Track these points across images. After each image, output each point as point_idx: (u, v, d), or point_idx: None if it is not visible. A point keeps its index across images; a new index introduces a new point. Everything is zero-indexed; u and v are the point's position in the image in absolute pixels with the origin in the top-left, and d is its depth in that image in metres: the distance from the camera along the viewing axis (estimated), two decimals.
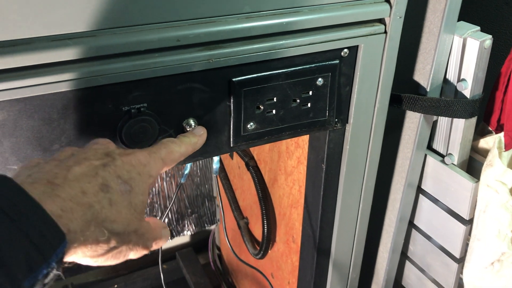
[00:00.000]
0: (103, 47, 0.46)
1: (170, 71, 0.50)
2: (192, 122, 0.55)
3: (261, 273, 0.76)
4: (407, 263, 0.89)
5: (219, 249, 1.49)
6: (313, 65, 0.58)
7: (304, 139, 0.78)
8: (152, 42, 0.48)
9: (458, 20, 0.65)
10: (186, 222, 1.45)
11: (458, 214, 0.74)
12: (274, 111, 0.59)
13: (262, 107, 0.58)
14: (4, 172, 0.48)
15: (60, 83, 0.46)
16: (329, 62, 0.59)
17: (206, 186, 1.43)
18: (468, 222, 0.73)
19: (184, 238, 1.52)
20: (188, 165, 0.86)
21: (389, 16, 0.59)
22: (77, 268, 1.31)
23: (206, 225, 1.48)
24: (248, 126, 0.59)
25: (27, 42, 0.44)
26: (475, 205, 0.70)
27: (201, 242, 1.52)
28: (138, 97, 0.50)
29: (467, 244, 0.74)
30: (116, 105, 0.50)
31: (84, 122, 0.49)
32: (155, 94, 0.51)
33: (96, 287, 1.36)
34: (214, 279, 1.40)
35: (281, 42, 0.54)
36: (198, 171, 1.40)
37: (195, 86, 0.53)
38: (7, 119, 0.46)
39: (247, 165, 1.05)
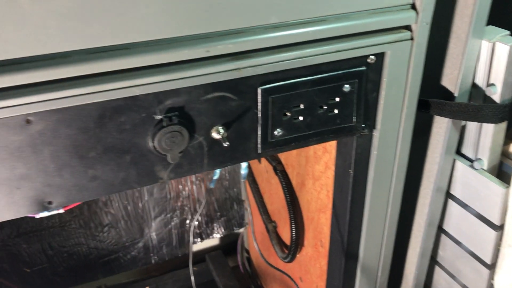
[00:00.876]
0: (136, 59, 0.48)
1: (200, 80, 0.52)
2: (221, 129, 0.56)
3: (288, 276, 0.77)
4: (437, 268, 0.88)
5: (248, 252, 1.51)
6: (339, 72, 0.59)
7: (332, 144, 0.79)
8: (182, 54, 0.49)
9: (487, 25, 0.64)
10: (215, 225, 1.47)
11: (488, 220, 0.73)
12: (301, 118, 0.60)
13: (289, 114, 0.59)
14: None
15: (96, 94, 0.48)
16: (356, 69, 0.59)
17: (235, 189, 1.44)
18: (499, 228, 0.72)
19: (213, 240, 1.54)
20: (217, 171, 0.87)
21: (416, 23, 0.59)
22: (110, 269, 1.35)
23: (234, 228, 1.49)
24: (276, 132, 0.60)
25: (65, 55, 0.46)
26: (506, 211, 0.70)
27: (230, 244, 1.54)
28: (170, 106, 0.52)
29: (498, 250, 0.73)
30: (149, 114, 0.52)
31: (118, 131, 0.51)
32: (185, 103, 0.53)
33: None
34: (243, 282, 1.41)
35: (307, 51, 0.55)
36: (227, 174, 1.42)
37: (224, 95, 0.55)
38: (46, 128, 0.48)
39: (275, 169, 1.06)
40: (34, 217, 1.16)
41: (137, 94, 0.50)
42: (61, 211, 0.69)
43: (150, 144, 0.53)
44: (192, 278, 0.82)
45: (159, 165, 0.55)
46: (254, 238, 0.82)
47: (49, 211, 0.67)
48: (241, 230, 1.51)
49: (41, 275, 1.27)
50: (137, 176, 0.55)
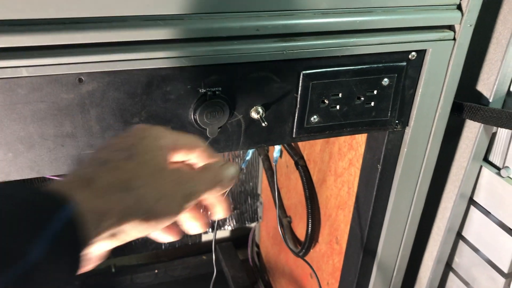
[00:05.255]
0: (189, 31, 0.49)
1: (246, 58, 0.53)
2: (260, 109, 0.57)
3: (309, 264, 0.78)
4: (451, 275, 0.89)
5: (258, 246, 1.51)
6: (380, 65, 0.60)
7: (358, 142, 0.80)
8: (233, 30, 0.51)
9: None
10: (228, 217, 1.48)
11: (510, 228, 0.73)
12: (338, 107, 0.61)
13: (327, 102, 0.60)
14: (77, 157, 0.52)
15: (147, 61, 0.49)
16: (397, 64, 0.60)
17: (251, 183, 1.46)
18: None
19: (224, 232, 1.56)
20: (250, 152, 0.89)
21: (460, 23, 0.60)
22: (121, 250, 1.36)
23: (247, 222, 1.50)
24: (312, 119, 0.61)
25: (122, 20, 0.47)
26: None
27: (241, 238, 1.55)
28: (215, 80, 0.53)
29: None
30: (194, 87, 0.53)
31: (163, 100, 0.53)
32: (230, 79, 0.54)
33: (138, 270, 1.40)
34: (251, 275, 1.42)
35: (352, 40, 0.56)
36: (244, 168, 1.43)
37: (267, 75, 0.56)
38: (96, 89, 0.50)
39: (296, 164, 1.07)
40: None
41: (185, 65, 0.51)
42: None
43: (192, 116, 0.55)
44: (215, 266, 0.83)
45: None
46: (281, 229, 0.83)
47: None
48: (253, 224, 1.52)
49: None
50: None
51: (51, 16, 0.45)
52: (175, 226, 0.43)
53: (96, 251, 0.38)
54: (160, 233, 0.42)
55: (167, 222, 0.38)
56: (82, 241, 0.32)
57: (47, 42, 0.45)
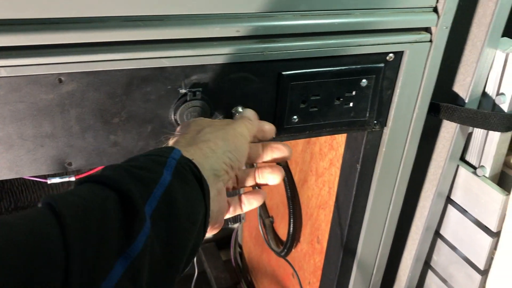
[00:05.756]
0: (169, 31, 0.50)
1: (227, 59, 0.54)
2: (240, 109, 0.58)
3: (290, 264, 0.79)
4: (429, 273, 0.90)
5: (240, 247, 1.52)
6: (359, 66, 0.61)
7: (339, 142, 0.81)
8: (214, 31, 0.51)
9: (502, 36, 0.67)
10: None
11: (486, 226, 0.75)
12: (317, 107, 0.62)
13: (306, 102, 0.61)
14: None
15: (127, 61, 0.49)
16: (375, 65, 0.62)
17: None
18: (495, 235, 0.74)
19: (207, 233, 1.56)
20: None
21: (436, 26, 0.61)
22: None
23: (230, 222, 1.51)
24: (292, 119, 0.62)
25: (102, 20, 0.48)
26: (504, 218, 0.72)
27: (223, 239, 1.55)
28: (195, 81, 0.54)
29: (492, 257, 0.75)
30: (174, 87, 0.53)
31: (143, 100, 0.53)
32: (210, 80, 0.55)
33: None
34: (234, 275, 1.42)
35: (331, 41, 0.57)
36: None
37: (247, 76, 0.56)
38: (76, 89, 0.50)
39: (278, 164, 1.07)
40: (37, 187, 1.16)
41: (165, 65, 0.51)
42: (72, 179, 0.71)
43: (172, 116, 0.55)
44: (196, 267, 0.84)
45: None
46: (261, 228, 0.84)
47: (61, 178, 0.69)
48: (236, 225, 1.52)
49: None
50: (155, 147, 0.56)
51: (31, 16, 0.45)
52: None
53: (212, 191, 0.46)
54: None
55: (245, 155, 0.51)
56: (195, 167, 0.43)
57: (26, 42, 0.45)
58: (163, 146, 0.48)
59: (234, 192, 0.62)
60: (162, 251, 0.37)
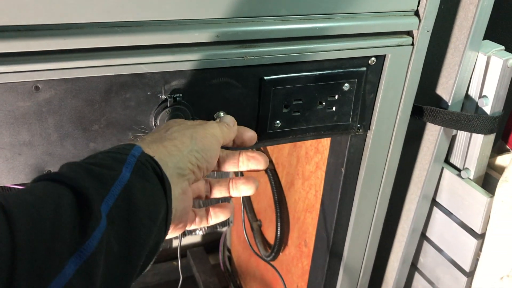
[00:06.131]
0: (148, 37, 0.49)
1: (207, 65, 0.53)
2: (222, 115, 0.57)
3: (277, 271, 0.79)
4: (416, 275, 0.90)
5: (229, 251, 1.51)
6: (341, 70, 0.61)
7: (324, 145, 0.81)
8: (193, 36, 0.51)
9: (484, 39, 0.67)
10: None
11: (471, 228, 0.75)
12: (300, 112, 0.62)
13: (289, 107, 0.61)
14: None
15: (105, 68, 0.49)
16: (357, 69, 0.61)
17: None
18: (480, 237, 0.74)
19: (195, 237, 1.55)
20: None
21: (418, 29, 0.61)
22: None
23: (218, 226, 1.50)
24: (275, 124, 0.61)
25: (79, 26, 0.47)
26: (488, 220, 0.72)
27: (212, 243, 1.54)
28: (175, 87, 0.53)
29: (478, 259, 0.75)
30: (154, 93, 0.53)
31: (123, 107, 0.52)
32: (191, 85, 0.54)
33: None
34: (222, 279, 1.42)
35: (312, 46, 0.57)
36: (215, 173, 1.43)
37: (228, 81, 0.56)
38: (54, 97, 0.49)
39: (264, 170, 1.07)
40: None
41: (145, 71, 0.51)
42: None
43: (153, 123, 0.54)
44: (180, 269, 0.83)
45: None
46: (246, 234, 0.83)
47: None
48: (224, 229, 1.52)
49: None
50: None
51: (6, 23, 0.44)
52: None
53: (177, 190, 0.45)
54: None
55: (214, 156, 0.49)
56: (157, 164, 0.43)
57: (1, 49, 0.44)
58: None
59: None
60: (120, 248, 0.36)
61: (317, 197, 0.89)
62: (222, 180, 0.57)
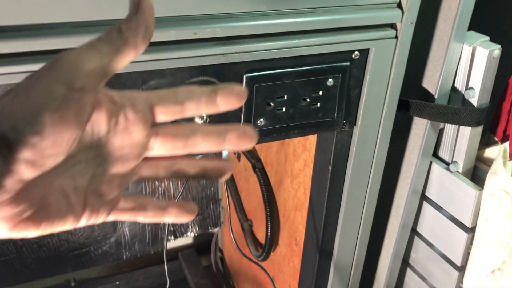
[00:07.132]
0: None
1: (185, 63, 0.52)
2: (203, 114, 0.56)
3: (266, 272, 0.77)
4: (408, 271, 0.90)
5: (221, 251, 1.50)
6: (324, 65, 0.59)
7: (312, 142, 0.80)
8: (169, 34, 0.49)
9: (468, 30, 0.66)
10: (189, 223, 1.46)
11: (461, 222, 0.74)
12: (284, 109, 0.60)
13: (272, 104, 0.59)
14: None
15: None
16: (340, 64, 0.60)
17: (212, 188, 1.44)
18: (471, 230, 0.73)
19: (187, 239, 1.53)
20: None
21: (401, 21, 0.60)
22: (81, 263, 1.33)
23: (209, 227, 1.49)
24: (258, 122, 0.60)
25: (50, 27, 0.45)
26: (478, 213, 0.71)
27: (204, 244, 1.53)
28: (153, 86, 0.52)
29: (469, 253, 0.75)
30: None
31: None
32: (169, 85, 0.53)
33: (98, 283, 1.37)
34: (215, 281, 1.40)
35: (294, 41, 0.56)
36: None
37: (209, 80, 0.55)
38: None
39: (253, 167, 1.06)
40: None
41: (120, 71, 0.49)
42: None
43: None
44: (167, 274, 0.82)
45: None
46: (233, 236, 0.82)
47: None
48: (216, 229, 1.50)
49: (8, 266, 1.24)
50: None
51: None
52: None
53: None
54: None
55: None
56: None
57: None
58: None
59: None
60: None
61: (306, 195, 0.87)
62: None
